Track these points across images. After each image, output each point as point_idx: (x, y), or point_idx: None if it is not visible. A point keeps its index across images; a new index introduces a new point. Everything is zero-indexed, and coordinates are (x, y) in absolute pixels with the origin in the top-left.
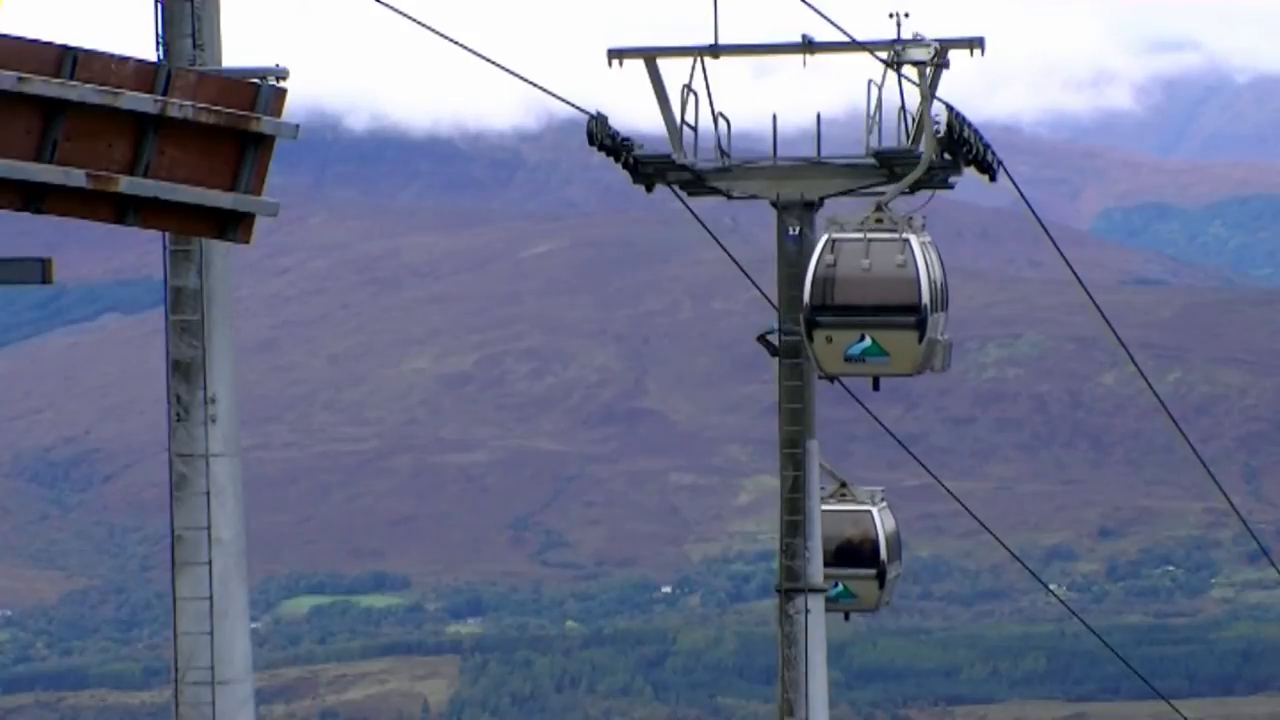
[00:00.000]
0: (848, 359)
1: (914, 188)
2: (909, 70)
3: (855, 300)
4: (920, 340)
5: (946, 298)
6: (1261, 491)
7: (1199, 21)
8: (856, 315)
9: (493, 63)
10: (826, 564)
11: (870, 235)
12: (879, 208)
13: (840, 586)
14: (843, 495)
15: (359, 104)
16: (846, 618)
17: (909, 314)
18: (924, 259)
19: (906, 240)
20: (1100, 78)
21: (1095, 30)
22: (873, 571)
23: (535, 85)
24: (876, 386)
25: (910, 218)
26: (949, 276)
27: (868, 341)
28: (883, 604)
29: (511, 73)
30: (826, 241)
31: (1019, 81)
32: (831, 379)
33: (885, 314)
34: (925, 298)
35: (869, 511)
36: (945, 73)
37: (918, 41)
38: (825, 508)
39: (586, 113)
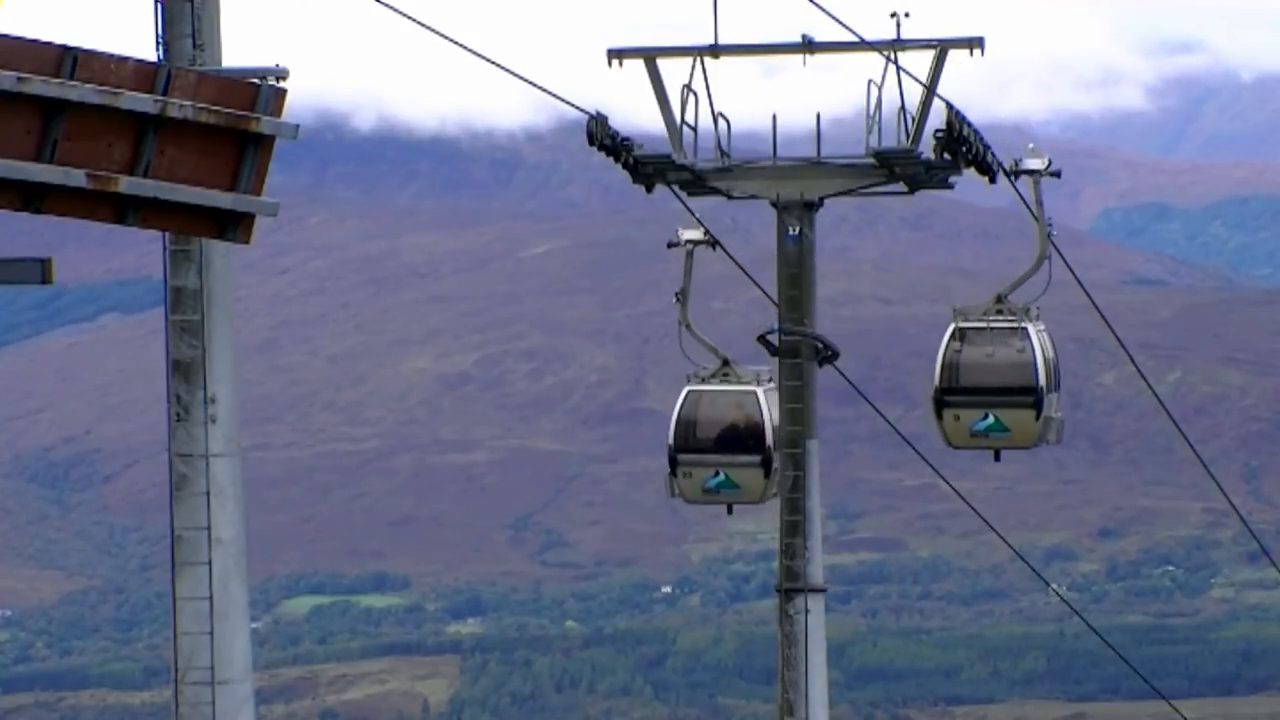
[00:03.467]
0: (973, 434)
1: (913, 189)
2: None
3: (979, 383)
4: (1038, 418)
5: (1059, 379)
6: (1261, 491)
7: (1205, 22)
8: (981, 396)
9: (492, 62)
10: (707, 450)
11: (992, 324)
12: (999, 299)
13: (721, 476)
14: (725, 375)
15: (366, 104)
16: (729, 510)
17: (1027, 395)
18: (1040, 345)
19: (1024, 328)
20: (1108, 78)
21: (1101, 31)
22: (757, 459)
23: (535, 85)
24: (998, 458)
25: (1028, 308)
26: (949, 273)
27: (991, 419)
28: (768, 496)
29: (511, 72)
30: (954, 330)
31: (1026, 82)
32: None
33: (1006, 395)
34: (1042, 380)
35: (753, 393)
36: (951, 73)
37: (1033, 152)
38: (705, 388)
39: (586, 113)
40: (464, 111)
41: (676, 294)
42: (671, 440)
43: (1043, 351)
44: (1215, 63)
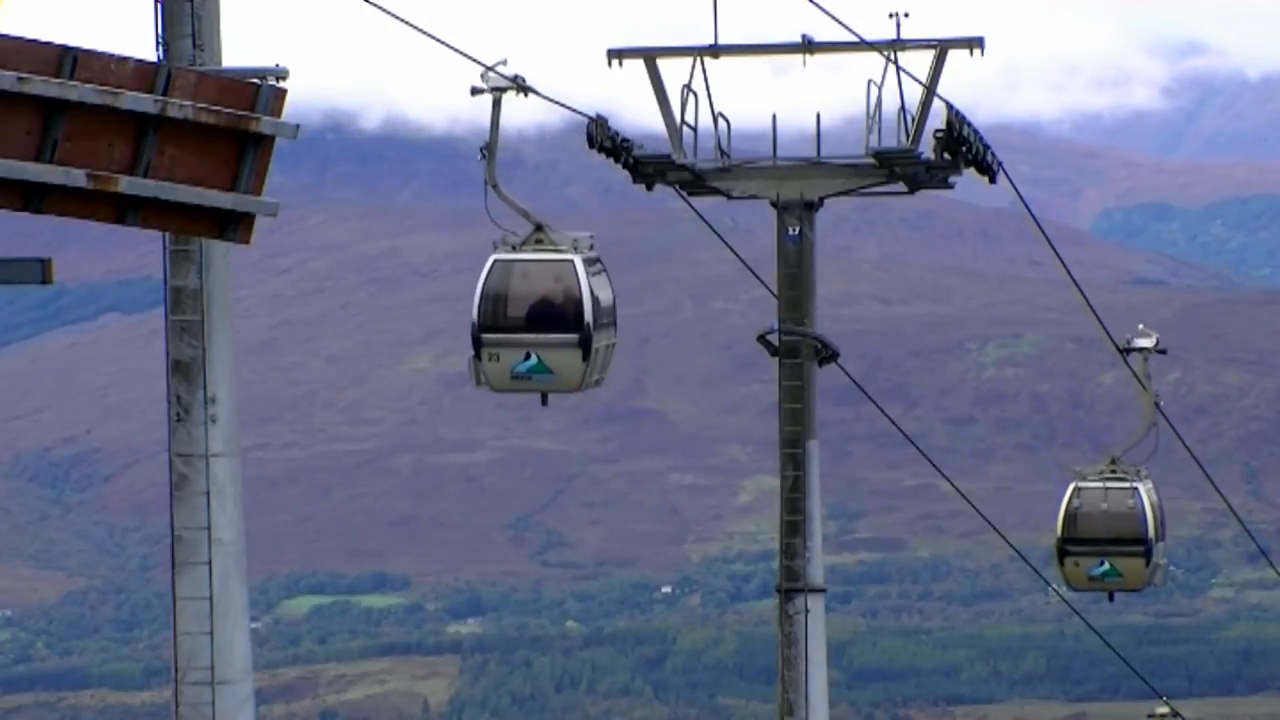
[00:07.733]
0: (1090, 578)
1: (913, 189)
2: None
3: (1096, 534)
4: (1148, 565)
5: (1165, 529)
6: (1261, 491)
7: (1212, 20)
8: (1097, 545)
9: (488, 66)
10: (517, 329)
11: (1107, 483)
12: (1113, 461)
13: (533, 359)
14: (539, 243)
15: (374, 104)
16: (544, 400)
17: (1139, 545)
18: (1149, 501)
19: (1136, 487)
20: (1118, 78)
21: (1109, 30)
22: (574, 338)
23: (536, 91)
24: (1111, 599)
25: (1138, 469)
26: (949, 273)
27: (1106, 565)
28: (589, 383)
29: (507, 75)
30: (1073, 489)
31: (1036, 82)
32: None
33: (1120, 544)
34: (1151, 532)
35: (570, 263)
36: (960, 72)
37: (1143, 332)
38: (515, 257)
39: (586, 115)
40: (472, 111)
41: (481, 149)
42: (476, 318)
43: (1151, 507)
44: (1223, 61)
